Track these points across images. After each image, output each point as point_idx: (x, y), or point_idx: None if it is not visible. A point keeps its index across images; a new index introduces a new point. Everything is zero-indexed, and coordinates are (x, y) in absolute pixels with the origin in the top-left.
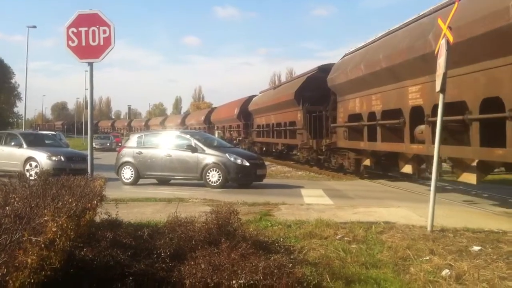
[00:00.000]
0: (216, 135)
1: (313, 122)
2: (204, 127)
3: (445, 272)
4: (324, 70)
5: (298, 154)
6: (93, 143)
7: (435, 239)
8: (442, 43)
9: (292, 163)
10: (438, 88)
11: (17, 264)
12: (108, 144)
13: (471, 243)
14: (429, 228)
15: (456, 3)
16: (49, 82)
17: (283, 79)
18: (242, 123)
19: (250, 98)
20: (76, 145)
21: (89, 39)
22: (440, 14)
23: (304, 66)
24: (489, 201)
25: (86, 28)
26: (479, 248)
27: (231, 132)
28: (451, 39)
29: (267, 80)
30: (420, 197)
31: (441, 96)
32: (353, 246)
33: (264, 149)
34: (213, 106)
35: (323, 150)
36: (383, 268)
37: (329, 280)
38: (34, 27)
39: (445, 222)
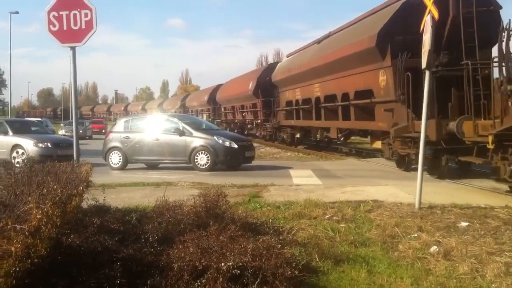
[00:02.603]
0: (204, 118)
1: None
2: (207, 108)
3: (433, 248)
4: None
5: (380, 147)
6: (63, 130)
7: (423, 216)
8: (427, 19)
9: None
10: (424, 65)
11: (0, 253)
12: (81, 131)
13: (459, 219)
14: (417, 206)
15: None
16: (34, 68)
17: (270, 60)
18: (260, 100)
19: (271, 66)
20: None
21: (70, 23)
22: None
23: (291, 46)
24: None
25: (67, 12)
26: (467, 224)
27: (244, 114)
28: (436, 15)
29: (254, 62)
30: (408, 175)
31: (427, 73)
32: (342, 225)
33: (298, 136)
34: (201, 89)
35: (486, 146)
36: (371, 246)
37: (318, 260)
38: (17, 12)
39: (433, 199)
